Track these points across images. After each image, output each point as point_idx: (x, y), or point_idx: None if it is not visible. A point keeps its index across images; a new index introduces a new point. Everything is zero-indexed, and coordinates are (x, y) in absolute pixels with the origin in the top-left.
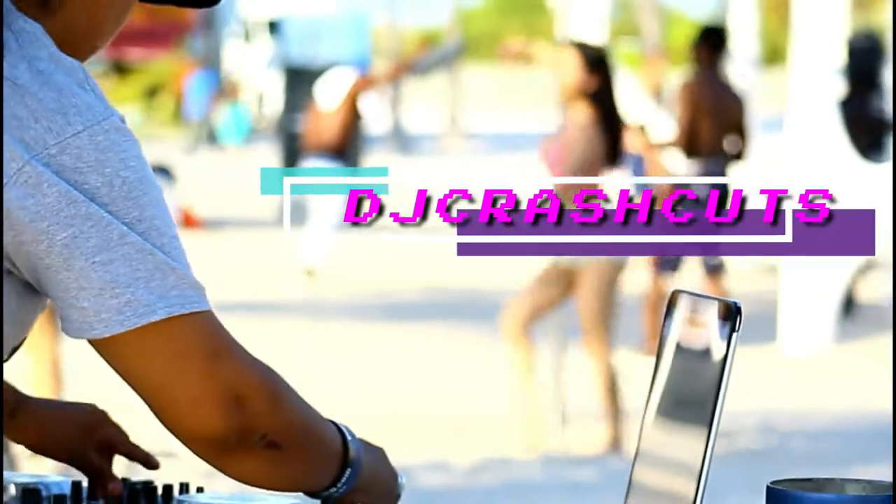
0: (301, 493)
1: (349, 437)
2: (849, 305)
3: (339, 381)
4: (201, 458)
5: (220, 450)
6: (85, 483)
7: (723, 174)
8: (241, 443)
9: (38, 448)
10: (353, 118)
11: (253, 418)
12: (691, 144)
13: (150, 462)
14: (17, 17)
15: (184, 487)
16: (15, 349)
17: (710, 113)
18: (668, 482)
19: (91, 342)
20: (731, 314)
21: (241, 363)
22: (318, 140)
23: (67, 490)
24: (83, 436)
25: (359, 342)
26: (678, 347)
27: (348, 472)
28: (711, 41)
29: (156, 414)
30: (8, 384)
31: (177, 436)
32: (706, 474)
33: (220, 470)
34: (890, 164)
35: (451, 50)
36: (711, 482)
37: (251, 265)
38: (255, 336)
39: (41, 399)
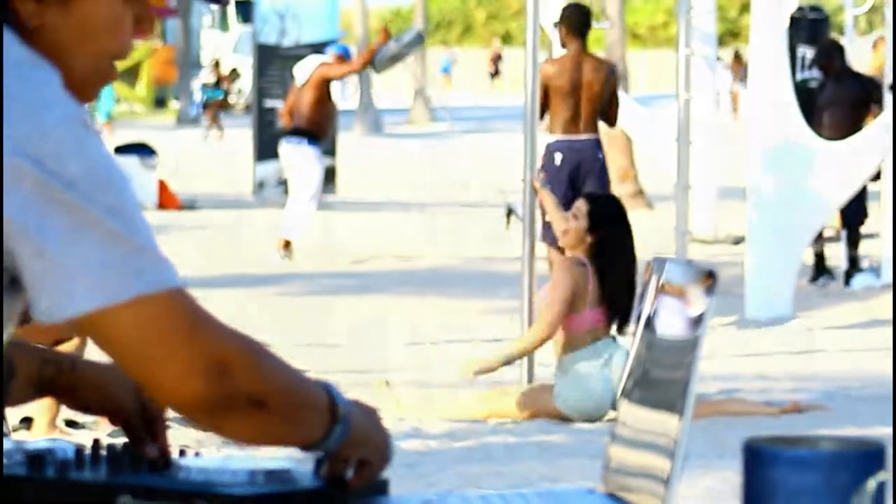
0: (294, 450)
1: (337, 396)
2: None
3: (312, 350)
4: (190, 420)
5: (208, 413)
6: (87, 450)
7: (595, 148)
8: (228, 405)
9: (91, 407)
10: (326, 99)
11: (237, 382)
12: (561, 121)
13: (161, 451)
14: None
15: (182, 452)
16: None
17: (576, 90)
18: (644, 454)
19: (72, 322)
20: (707, 280)
21: (220, 332)
22: (295, 120)
23: (72, 455)
24: (133, 396)
25: (333, 313)
26: (654, 316)
27: (338, 427)
28: (571, 19)
29: (142, 385)
30: (53, 350)
31: (163, 403)
32: (683, 439)
33: (211, 430)
34: (850, 141)
35: (410, 38)
36: None
37: (226, 242)
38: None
39: (91, 360)
